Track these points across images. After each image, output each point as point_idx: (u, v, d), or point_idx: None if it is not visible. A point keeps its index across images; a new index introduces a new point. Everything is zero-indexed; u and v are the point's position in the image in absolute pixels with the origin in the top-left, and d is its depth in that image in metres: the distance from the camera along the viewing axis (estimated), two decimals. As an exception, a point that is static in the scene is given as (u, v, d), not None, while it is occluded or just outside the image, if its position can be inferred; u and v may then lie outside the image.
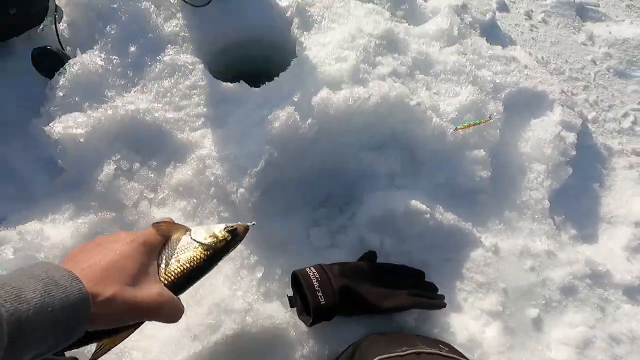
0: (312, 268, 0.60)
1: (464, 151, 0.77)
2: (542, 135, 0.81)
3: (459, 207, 0.74)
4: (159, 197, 0.72)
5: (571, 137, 0.81)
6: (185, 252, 0.43)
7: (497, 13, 1.14)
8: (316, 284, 0.57)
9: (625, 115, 0.94)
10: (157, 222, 0.44)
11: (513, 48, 1.05)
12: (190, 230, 0.45)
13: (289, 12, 0.94)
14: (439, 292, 0.66)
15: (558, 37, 1.11)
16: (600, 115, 0.94)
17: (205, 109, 0.80)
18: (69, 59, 0.80)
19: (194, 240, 0.44)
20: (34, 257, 0.60)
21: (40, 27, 0.84)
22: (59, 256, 0.61)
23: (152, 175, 0.74)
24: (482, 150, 0.76)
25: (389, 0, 1.07)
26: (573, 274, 0.69)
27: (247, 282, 0.62)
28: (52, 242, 0.62)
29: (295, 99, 0.72)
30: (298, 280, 0.59)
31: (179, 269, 0.42)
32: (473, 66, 0.89)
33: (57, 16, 0.85)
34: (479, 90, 0.84)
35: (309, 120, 0.69)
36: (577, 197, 0.80)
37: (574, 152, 0.79)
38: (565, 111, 0.85)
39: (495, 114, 0.82)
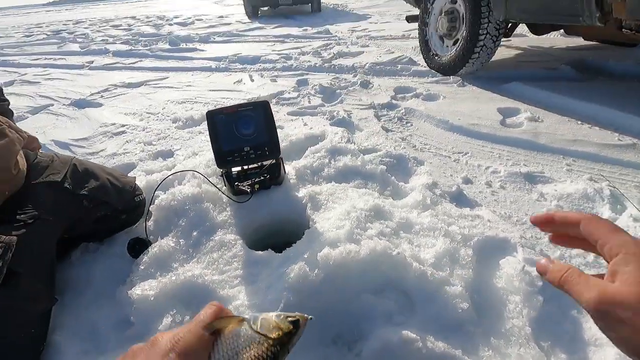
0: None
1: (445, 288, 0.94)
2: (509, 271, 0.99)
3: (449, 338, 0.85)
4: (201, 343, 0.90)
5: (534, 271, 0.97)
6: (249, 348, 0.34)
7: (463, 185, 1.49)
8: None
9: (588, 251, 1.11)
10: (205, 322, 0.34)
11: (479, 209, 1.34)
12: (248, 320, 0.36)
13: (304, 200, 1.33)
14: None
15: (515, 197, 1.41)
16: (566, 253, 1.12)
17: (241, 272, 1.07)
18: (151, 244, 1.15)
19: (258, 332, 0.35)
20: (102, 393, 0.76)
21: (135, 225, 1.24)
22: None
23: (197, 325, 0.94)
24: (459, 287, 0.94)
25: (377, 185, 1.47)
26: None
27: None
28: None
29: (306, 256, 0.98)
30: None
31: None
32: (444, 224, 1.16)
33: (147, 217, 1.26)
34: (450, 240, 1.09)
35: (316, 271, 0.93)
36: (559, 323, 0.89)
37: (540, 283, 0.94)
38: (526, 250, 1.05)
39: (466, 256, 1.03)
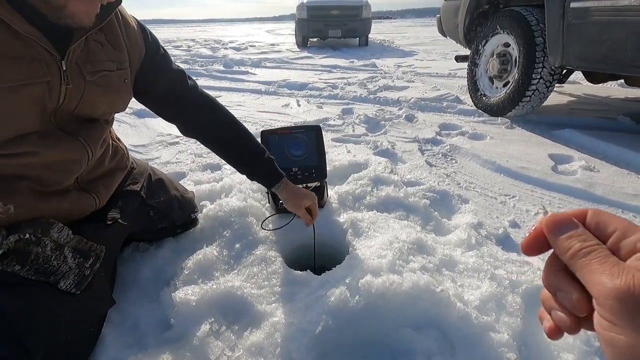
0: None
1: (490, 334, 0.89)
2: (562, 325, 0.92)
3: (493, 389, 0.80)
4: (235, 355, 0.91)
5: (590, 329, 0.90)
6: None
7: (510, 229, 1.44)
8: None
9: None
10: None
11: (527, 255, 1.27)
12: None
13: (345, 225, 1.33)
14: None
15: (568, 248, 1.33)
16: (625, 315, 1.03)
17: (279, 289, 1.08)
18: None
19: None
20: (140, 389, 0.78)
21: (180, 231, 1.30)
22: (157, 392, 0.78)
23: (233, 337, 0.95)
24: (505, 334, 0.89)
25: (420, 219, 1.44)
26: None
27: None
28: (155, 380, 0.80)
29: (347, 281, 0.97)
30: None
31: None
32: (490, 266, 1.12)
33: (194, 225, 1.32)
34: (497, 284, 1.04)
35: (357, 297, 0.92)
36: (618, 391, 0.81)
37: (597, 343, 0.87)
38: (581, 306, 0.98)
39: (514, 304, 0.98)
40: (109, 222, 1.04)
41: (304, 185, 1.43)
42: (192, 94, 1.16)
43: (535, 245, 0.29)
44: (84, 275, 0.90)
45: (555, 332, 0.28)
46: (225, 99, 3.66)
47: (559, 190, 1.73)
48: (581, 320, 0.26)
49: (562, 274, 0.27)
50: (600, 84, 3.45)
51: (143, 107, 1.13)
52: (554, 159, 2.03)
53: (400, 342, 0.91)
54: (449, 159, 2.13)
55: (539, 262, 1.23)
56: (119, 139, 1.19)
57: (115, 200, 1.09)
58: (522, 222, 1.50)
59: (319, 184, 1.44)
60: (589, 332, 0.87)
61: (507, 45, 2.81)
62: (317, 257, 1.35)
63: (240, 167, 1.23)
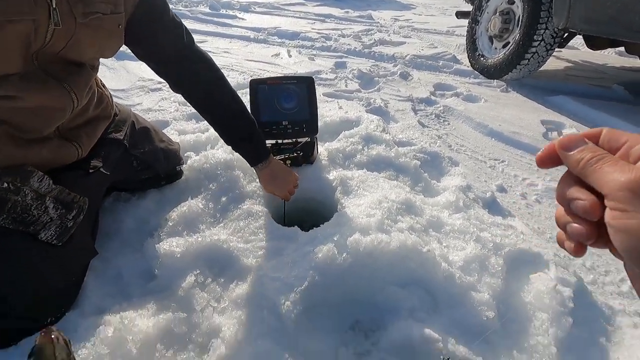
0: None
1: (472, 293, 0.92)
2: (540, 287, 0.95)
3: (470, 344, 0.83)
4: (221, 307, 0.91)
5: (567, 291, 0.94)
6: None
7: (497, 193, 1.45)
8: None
9: (622, 280, 1.06)
10: None
11: (512, 219, 1.30)
12: None
13: (335, 182, 1.31)
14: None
15: (551, 213, 1.36)
16: (598, 279, 1.07)
17: (266, 244, 1.07)
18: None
19: None
20: (125, 338, 0.77)
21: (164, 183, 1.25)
22: (142, 340, 0.78)
23: (219, 288, 0.95)
24: (486, 294, 0.91)
25: (409, 180, 1.43)
26: None
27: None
28: (139, 329, 0.80)
29: (335, 239, 0.97)
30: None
31: None
32: (476, 229, 1.13)
33: (178, 177, 1.27)
34: (481, 246, 1.06)
35: (344, 255, 0.92)
36: (586, 347, 0.86)
37: (572, 305, 0.91)
38: (560, 269, 1.01)
39: (496, 265, 1.00)
40: (91, 171, 0.98)
41: (294, 140, 1.38)
42: (189, 52, 1.05)
43: (548, 160, 0.30)
44: (66, 227, 0.86)
45: (578, 249, 0.29)
46: (210, 45, 3.43)
47: (548, 157, 1.73)
48: (595, 228, 0.27)
49: (575, 186, 0.28)
50: (599, 51, 3.38)
51: (123, 48, 1.02)
52: (546, 125, 2.02)
53: (387, 300, 0.93)
54: (441, 121, 2.09)
55: (523, 226, 1.26)
56: (104, 86, 1.10)
57: (97, 149, 1.02)
58: (510, 187, 1.51)
59: (309, 139, 1.39)
60: (566, 294, 0.91)
61: (511, 2, 2.67)
62: (306, 213, 1.33)
63: (225, 137, 1.14)
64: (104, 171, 1.01)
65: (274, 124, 1.33)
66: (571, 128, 1.99)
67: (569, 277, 0.99)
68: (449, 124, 2.06)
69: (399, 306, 0.91)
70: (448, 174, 1.55)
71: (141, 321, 0.84)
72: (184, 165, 1.31)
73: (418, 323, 0.87)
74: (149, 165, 1.15)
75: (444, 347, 0.80)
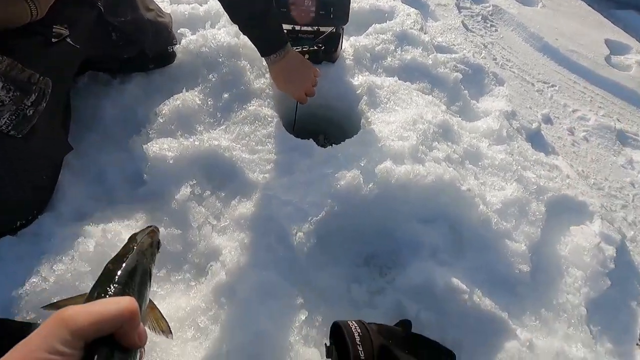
0: (353, 322, 0.63)
1: (506, 242, 0.81)
2: (581, 242, 0.85)
3: (496, 295, 0.76)
4: (221, 225, 0.79)
5: (610, 250, 0.84)
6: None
7: (542, 124, 1.25)
8: (357, 338, 0.59)
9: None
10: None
11: (555, 157, 1.13)
12: None
13: (360, 90, 1.08)
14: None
15: (598, 155, 1.20)
16: (639, 236, 0.98)
17: (275, 156, 0.90)
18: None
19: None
20: (109, 254, 0.66)
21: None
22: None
23: (219, 204, 0.82)
24: (522, 245, 0.81)
25: (446, 96, 1.21)
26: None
27: (291, 321, 0.65)
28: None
29: (361, 164, 0.80)
30: (340, 331, 0.61)
31: None
32: (519, 166, 0.97)
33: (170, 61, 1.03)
34: (523, 189, 0.91)
35: (371, 185, 0.77)
36: (616, 310, 0.81)
37: (613, 266, 0.82)
38: (605, 224, 0.89)
39: (537, 213, 0.87)
40: (54, 40, 0.74)
41: (316, 28, 1.10)
42: None
43: None
44: (24, 115, 0.67)
45: None
46: None
47: (606, 86, 1.48)
48: None
49: None
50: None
51: None
52: (610, 47, 1.70)
53: (407, 235, 0.81)
54: (488, 25, 1.74)
55: (568, 167, 1.10)
56: None
57: (61, 10, 0.75)
58: (556, 119, 1.31)
59: (334, 29, 1.11)
60: (608, 254, 0.81)
61: None
62: (319, 123, 1.14)
63: (230, 13, 0.88)
64: (71, 42, 0.76)
65: (294, 3, 1.03)
66: (638, 54, 1.68)
67: (614, 234, 0.88)
68: (496, 30, 1.72)
69: (421, 242, 0.80)
70: (490, 93, 1.32)
71: (128, 234, 0.71)
72: (177, 46, 1.04)
73: (441, 266, 0.77)
74: (132, 40, 0.90)
75: (469, 298, 0.72)
